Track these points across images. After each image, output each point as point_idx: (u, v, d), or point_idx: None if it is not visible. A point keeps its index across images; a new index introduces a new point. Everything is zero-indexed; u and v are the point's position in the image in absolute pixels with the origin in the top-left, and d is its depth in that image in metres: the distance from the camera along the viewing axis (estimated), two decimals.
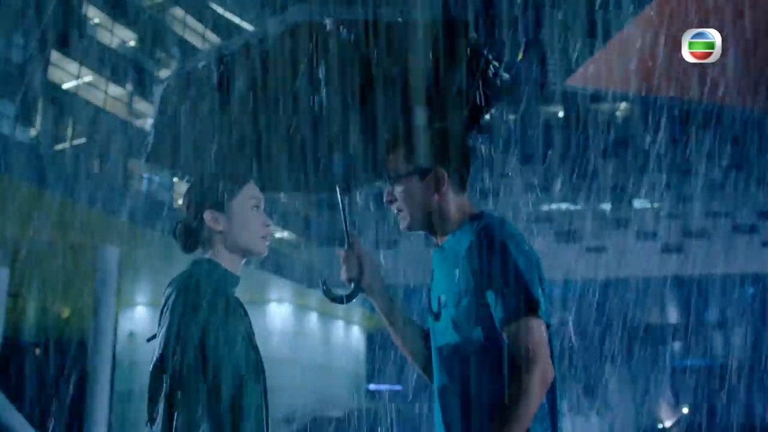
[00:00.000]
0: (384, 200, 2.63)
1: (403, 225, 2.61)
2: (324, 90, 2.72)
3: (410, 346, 2.74)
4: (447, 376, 2.50)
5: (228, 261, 2.59)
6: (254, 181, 2.65)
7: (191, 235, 2.60)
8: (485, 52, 2.61)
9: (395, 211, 2.63)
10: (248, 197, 2.61)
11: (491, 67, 2.63)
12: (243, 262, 2.64)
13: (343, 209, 2.90)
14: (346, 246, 2.79)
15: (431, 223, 2.59)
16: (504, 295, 2.35)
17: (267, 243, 2.65)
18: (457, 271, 2.46)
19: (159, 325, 2.43)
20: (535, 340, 2.30)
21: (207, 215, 2.57)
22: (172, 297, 2.42)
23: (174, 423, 2.30)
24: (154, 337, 2.44)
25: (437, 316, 2.55)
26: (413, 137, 2.59)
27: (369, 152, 2.91)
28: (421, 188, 2.56)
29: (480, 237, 2.43)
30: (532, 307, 2.33)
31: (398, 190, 2.58)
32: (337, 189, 2.94)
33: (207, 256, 2.59)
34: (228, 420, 2.35)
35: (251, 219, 2.61)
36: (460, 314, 2.45)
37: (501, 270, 2.36)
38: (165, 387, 2.33)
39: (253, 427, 2.41)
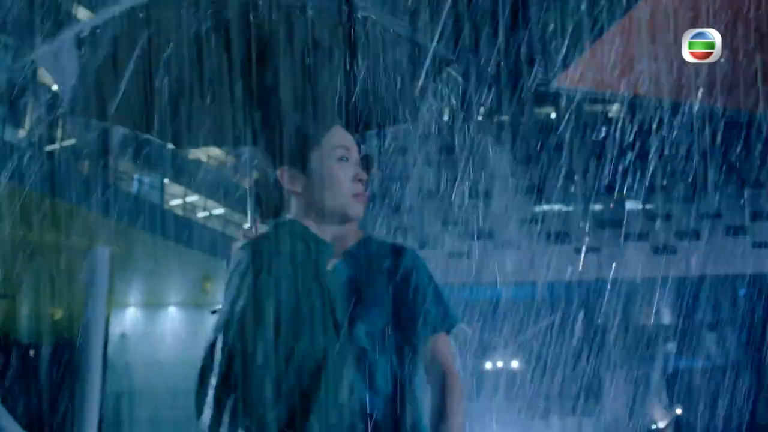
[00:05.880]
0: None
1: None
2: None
3: None
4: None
5: (314, 228, 2.10)
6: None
7: (266, 200, 2.14)
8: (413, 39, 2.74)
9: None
10: (332, 147, 2.12)
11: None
12: (337, 229, 2.14)
13: None
14: None
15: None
16: (426, 312, 2.32)
17: (362, 203, 2.16)
18: (371, 288, 2.30)
19: (224, 296, 2.00)
20: (454, 357, 2.33)
21: (281, 173, 2.12)
22: (242, 264, 1.98)
23: (227, 407, 1.88)
24: (215, 312, 2.05)
25: (349, 331, 2.33)
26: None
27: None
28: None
29: (397, 255, 2.33)
30: (451, 324, 2.36)
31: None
32: None
33: None
34: (297, 407, 1.91)
35: (337, 174, 2.12)
36: (376, 329, 2.29)
37: (421, 288, 2.32)
38: (219, 367, 1.90)
39: (323, 418, 1.96)
